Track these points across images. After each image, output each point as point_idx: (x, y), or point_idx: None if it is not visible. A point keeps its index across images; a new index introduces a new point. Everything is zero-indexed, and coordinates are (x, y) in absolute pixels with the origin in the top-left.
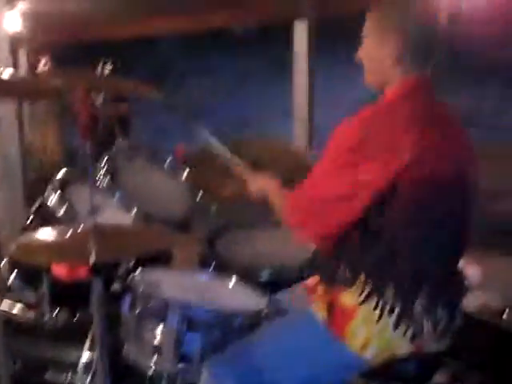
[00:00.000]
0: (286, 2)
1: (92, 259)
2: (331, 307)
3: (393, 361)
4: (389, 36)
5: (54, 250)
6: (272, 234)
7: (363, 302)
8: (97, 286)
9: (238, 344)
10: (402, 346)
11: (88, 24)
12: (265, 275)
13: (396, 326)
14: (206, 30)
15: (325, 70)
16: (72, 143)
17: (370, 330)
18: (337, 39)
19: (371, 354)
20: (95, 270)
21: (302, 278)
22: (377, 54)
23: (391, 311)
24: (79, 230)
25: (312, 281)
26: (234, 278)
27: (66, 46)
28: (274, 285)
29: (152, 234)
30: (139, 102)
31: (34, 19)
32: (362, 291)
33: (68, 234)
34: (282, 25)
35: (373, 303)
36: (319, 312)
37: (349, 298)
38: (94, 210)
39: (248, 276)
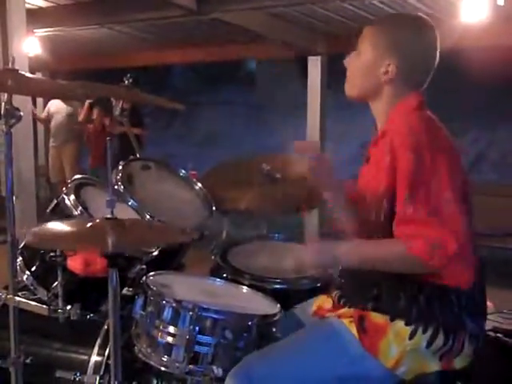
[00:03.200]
0: (300, 38)
1: (109, 248)
2: (361, 323)
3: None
4: (386, 56)
5: (70, 237)
6: (284, 246)
7: (394, 318)
8: (112, 278)
9: (258, 356)
10: (433, 364)
11: (102, 52)
12: (277, 286)
13: (430, 343)
14: (221, 62)
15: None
16: (87, 165)
17: (403, 347)
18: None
19: (403, 372)
20: (111, 260)
21: (314, 290)
22: (373, 70)
23: (425, 329)
24: (97, 221)
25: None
26: (245, 287)
27: (84, 73)
28: (286, 296)
29: (168, 228)
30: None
31: (54, 44)
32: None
33: (86, 224)
34: (296, 60)
35: (404, 319)
36: (350, 327)
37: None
38: (111, 203)
39: (259, 286)
